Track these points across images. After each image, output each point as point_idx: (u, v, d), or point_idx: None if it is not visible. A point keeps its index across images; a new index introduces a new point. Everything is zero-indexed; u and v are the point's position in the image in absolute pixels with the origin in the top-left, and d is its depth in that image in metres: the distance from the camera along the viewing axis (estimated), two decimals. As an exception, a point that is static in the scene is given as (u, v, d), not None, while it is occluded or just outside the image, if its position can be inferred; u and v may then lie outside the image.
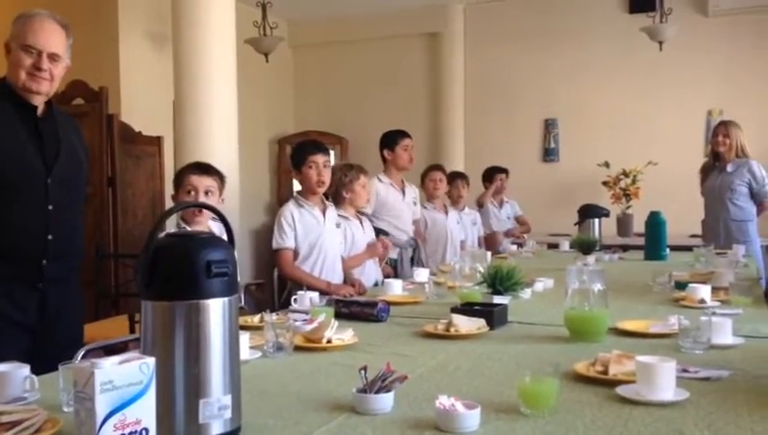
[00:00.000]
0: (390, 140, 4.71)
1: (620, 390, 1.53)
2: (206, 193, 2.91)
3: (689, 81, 6.98)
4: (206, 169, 2.99)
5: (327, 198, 3.80)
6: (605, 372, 1.64)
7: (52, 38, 2.26)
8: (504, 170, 6.44)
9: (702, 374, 1.67)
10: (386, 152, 4.70)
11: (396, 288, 3.14)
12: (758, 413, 1.41)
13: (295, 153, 3.69)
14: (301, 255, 3.47)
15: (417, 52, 8.02)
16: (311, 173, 3.51)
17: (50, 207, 2.26)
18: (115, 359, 1.16)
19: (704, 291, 2.70)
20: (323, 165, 3.54)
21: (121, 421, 1.12)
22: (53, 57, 2.26)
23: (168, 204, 3.57)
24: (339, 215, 3.79)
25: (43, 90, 2.27)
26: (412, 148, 4.72)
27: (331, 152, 7.73)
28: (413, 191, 4.87)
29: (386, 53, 8.06)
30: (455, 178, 5.77)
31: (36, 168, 2.25)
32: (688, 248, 4.48)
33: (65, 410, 1.45)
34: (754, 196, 4.96)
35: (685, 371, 1.67)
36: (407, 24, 7.86)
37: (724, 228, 4.97)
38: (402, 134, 4.73)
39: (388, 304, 2.57)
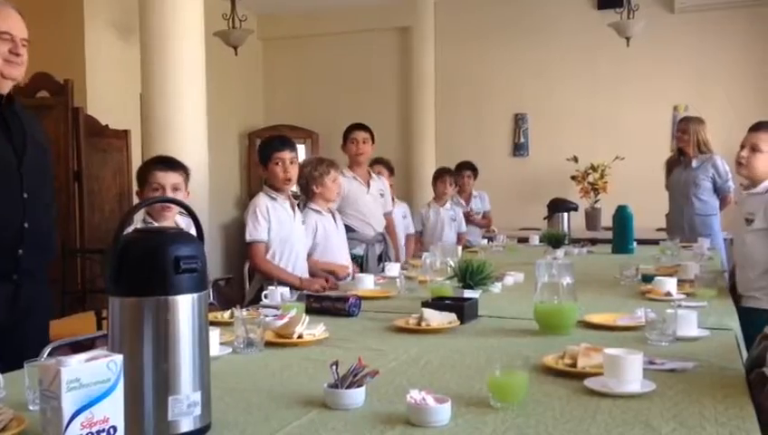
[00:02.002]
0: (344, 134, 4.68)
1: (588, 382, 1.55)
2: (174, 190, 2.84)
3: (656, 76, 7.08)
4: (171, 164, 2.92)
5: (300, 194, 3.75)
6: (573, 365, 1.66)
7: (21, 23, 2.26)
8: (470, 167, 6.42)
9: (668, 366, 1.70)
10: (342, 147, 4.68)
11: (367, 283, 3.13)
12: (723, 404, 1.43)
13: (262, 149, 3.62)
14: (271, 249, 3.41)
15: (388, 46, 8.02)
16: (277, 170, 3.44)
17: (25, 196, 2.22)
18: (82, 356, 1.14)
19: (670, 284, 2.73)
20: (290, 161, 3.47)
21: (89, 420, 1.10)
22: (25, 42, 2.26)
23: (137, 199, 3.52)
24: (311, 209, 3.77)
25: (19, 75, 2.27)
26: (363, 141, 4.58)
27: (302, 147, 7.72)
28: (380, 183, 4.79)
29: (357, 47, 8.04)
30: (442, 173, 5.80)
31: (8, 156, 2.21)
32: (655, 242, 4.55)
33: (31, 408, 1.43)
34: (718, 190, 5.03)
35: (651, 362, 1.69)
36: (377, 18, 7.85)
37: (688, 222, 5.03)
38: (351, 127, 4.68)
39: (360, 298, 2.57)
